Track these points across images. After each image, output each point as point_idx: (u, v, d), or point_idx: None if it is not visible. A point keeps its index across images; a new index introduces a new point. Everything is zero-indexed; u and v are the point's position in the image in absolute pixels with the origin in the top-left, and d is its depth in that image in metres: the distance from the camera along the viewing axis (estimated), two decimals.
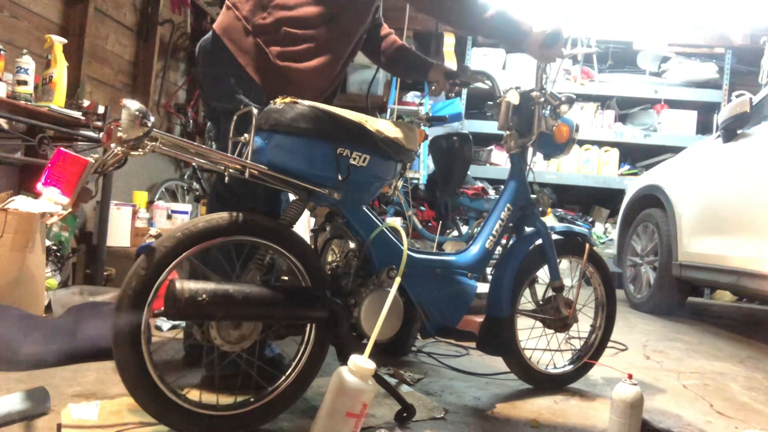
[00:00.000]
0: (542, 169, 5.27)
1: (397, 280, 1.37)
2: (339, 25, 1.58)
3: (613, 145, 5.42)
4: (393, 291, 1.34)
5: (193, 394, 1.28)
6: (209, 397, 1.32)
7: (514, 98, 1.69)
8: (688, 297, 3.81)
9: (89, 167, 1.10)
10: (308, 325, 1.36)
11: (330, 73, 1.62)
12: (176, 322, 2.15)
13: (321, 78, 1.60)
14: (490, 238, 1.70)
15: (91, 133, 2.53)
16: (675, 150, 4.37)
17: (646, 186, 4.03)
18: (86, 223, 2.95)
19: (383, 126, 1.40)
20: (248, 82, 1.54)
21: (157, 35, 3.87)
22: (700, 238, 3.26)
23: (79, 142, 2.56)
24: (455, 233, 4.48)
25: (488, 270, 1.94)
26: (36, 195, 2.22)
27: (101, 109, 2.62)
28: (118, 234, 2.85)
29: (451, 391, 1.76)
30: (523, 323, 1.83)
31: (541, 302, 1.86)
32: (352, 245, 1.50)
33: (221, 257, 1.42)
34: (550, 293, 1.84)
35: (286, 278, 1.44)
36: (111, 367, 1.68)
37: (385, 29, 1.92)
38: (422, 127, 2.29)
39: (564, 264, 1.93)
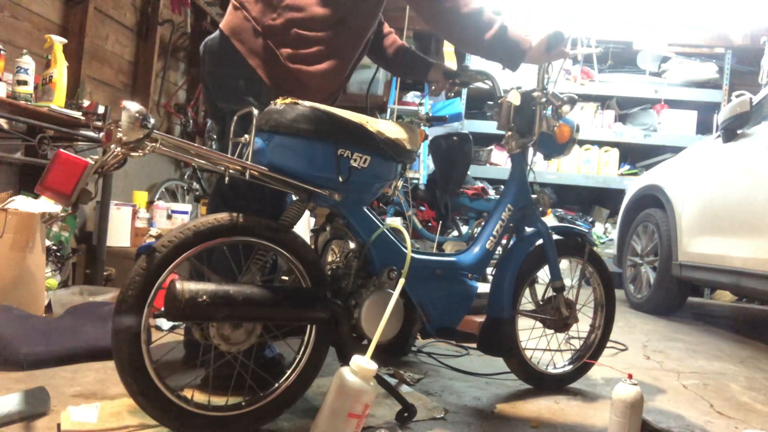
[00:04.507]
0: (542, 169, 5.27)
1: (401, 281, 1.36)
2: (348, 27, 1.57)
3: (613, 145, 5.41)
4: (396, 293, 1.34)
5: (193, 395, 1.28)
6: (209, 398, 1.32)
7: (515, 99, 1.69)
8: (688, 297, 3.81)
9: (89, 168, 1.10)
10: (309, 325, 1.36)
11: (340, 75, 1.61)
12: (176, 323, 2.15)
13: (331, 81, 1.59)
14: (491, 238, 1.70)
15: (91, 133, 2.53)
16: (675, 150, 4.36)
17: (646, 186, 4.03)
18: (86, 223, 2.95)
19: (384, 127, 1.40)
20: (258, 84, 1.52)
21: (157, 35, 3.87)
22: (700, 238, 3.26)
23: (79, 143, 2.56)
24: (455, 233, 4.48)
25: (489, 270, 1.94)
26: (36, 195, 2.22)
27: (101, 109, 2.61)
28: (118, 234, 2.86)
29: (451, 391, 1.76)
30: (523, 323, 1.83)
31: (541, 302, 1.86)
32: (352, 246, 1.50)
33: (222, 258, 1.41)
34: (550, 293, 1.84)
35: (286, 279, 1.44)
36: (111, 367, 1.67)
37: (386, 28, 1.92)
38: (422, 127, 2.29)
39: (564, 264, 1.93)
